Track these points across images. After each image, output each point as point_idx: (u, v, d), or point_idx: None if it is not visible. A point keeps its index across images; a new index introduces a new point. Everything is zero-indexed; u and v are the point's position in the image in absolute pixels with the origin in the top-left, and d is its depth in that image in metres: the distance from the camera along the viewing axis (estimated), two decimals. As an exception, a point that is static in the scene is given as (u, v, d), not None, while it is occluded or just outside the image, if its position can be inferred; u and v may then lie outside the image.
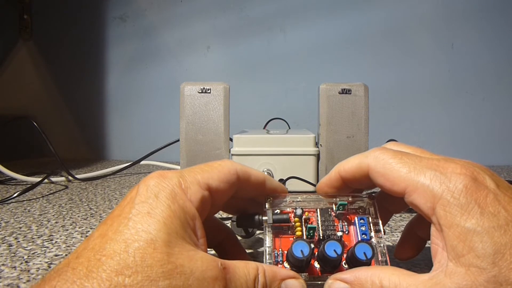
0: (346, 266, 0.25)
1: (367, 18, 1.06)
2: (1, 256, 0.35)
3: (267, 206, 0.27)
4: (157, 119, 1.15)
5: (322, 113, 0.55)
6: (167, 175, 0.22)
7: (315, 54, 1.08)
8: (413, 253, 0.29)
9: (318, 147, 0.57)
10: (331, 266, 0.24)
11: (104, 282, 0.17)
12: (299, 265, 0.24)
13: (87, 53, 1.18)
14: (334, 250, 0.23)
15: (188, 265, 0.19)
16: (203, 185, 0.23)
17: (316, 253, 0.25)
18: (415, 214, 0.28)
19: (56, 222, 0.46)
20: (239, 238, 0.33)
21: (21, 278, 0.30)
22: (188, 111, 0.56)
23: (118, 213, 0.21)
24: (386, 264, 0.24)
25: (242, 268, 0.21)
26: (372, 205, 0.27)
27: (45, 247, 0.38)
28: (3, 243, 0.39)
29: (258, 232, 0.40)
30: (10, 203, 0.57)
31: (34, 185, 0.66)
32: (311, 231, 0.25)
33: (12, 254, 0.35)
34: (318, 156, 0.57)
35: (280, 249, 0.25)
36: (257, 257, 0.35)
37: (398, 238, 0.30)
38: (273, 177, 0.53)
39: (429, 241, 0.23)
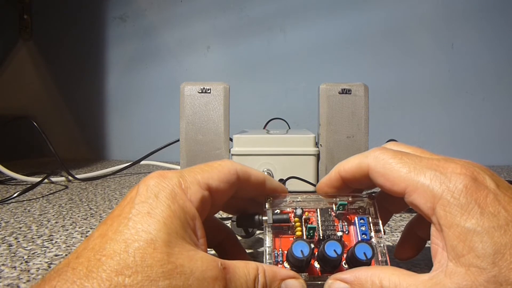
0: (346, 266, 0.25)
1: (367, 18, 1.06)
2: (1, 256, 0.35)
3: (267, 206, 0.27)
4: (157, 119, 1.15)
5: (322, 113, 0.55)
6: (167, 175, 0.22)
7: (315, 54, 1.08)
8: (413, 253, 0.29)
9: (318, 147, 0.57)
10: (331, 266, 0.24)
11: (104, 282, 0.17)
12: (299, 265, 0.24)
13: (87, 53, 1.18)
14: (334, 250, 0.23)
15: (188, 265, 0.19)
16: (203, 185, 0.23)
17: (316, 253, 0.25)
18: (415, 214, 0.28)
19: (56, 222, 0.46)
20: (239, 238, 0.33)
21: (21, 278, 0.30)
22: (188, 111, 0.56)
23: (118, 213, 0.21)
24: (386, 264, 0.24)
25: (242, 268, 0.21)
26: (372, 205, 0.27)
27: (45, 247, 0.38)
28: (3, 243, 0.39)
29: (258, 232, 0.40)
30: (10, 203, 0.57)
31: (34, 185, 0.66)
32: (311, 231, 0.25)
33: (12, 254, 0.35)
34: (318, 156, 0.57)
35: (280, 249, 0.25)
36: (257, 257, 0.35)
37: (398, 238, 0.30)
38: (273, 177, 0.53)
39: (429, 241, 0.23)
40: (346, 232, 0.26)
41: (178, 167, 0.76)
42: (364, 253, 0.23)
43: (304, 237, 0.26)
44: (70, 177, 0.74)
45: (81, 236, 0.41)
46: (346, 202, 0.27)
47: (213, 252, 0.31)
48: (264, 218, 0.26)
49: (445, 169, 0.21)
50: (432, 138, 1.06)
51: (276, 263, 0.25)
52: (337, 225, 0.27)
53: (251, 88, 1.10)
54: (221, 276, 0.20)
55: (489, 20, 1.02)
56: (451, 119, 1.05)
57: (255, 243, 0.39)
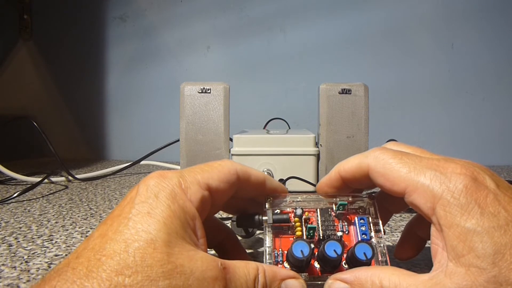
0: (346, 266, 0.25)
1: (367, 18, 1.06)
2: (1, 256, 0.35)
3: (267, 206, 0.27)
4: (157, 119, 1.15)
5: (322, 113, 0.55)
6: (167, 175, 0.22)
7: (315, 54, 1.08)
8: (413, 253, 0.29)
9: (318, 147, 0.57)
10: (331, 266, 0.24)
11: (104, 282, 0.17)
12: (299, 265, 0.24)
13: (87, 53, 1.18)
14: (334, 250, 0.23)
15: (188, 265, 0.19)
16: (203, 185, 0.23)
17: (316, 253, 0.25)
18: (415, 214, 0.28)
19: (56, 222, 0.46)
20: (239, 238, 0.33)
21: (21, 278, 0.30)
22: (188, 111, 0.55)
23: (118, 213, 0.21)
24: (386, 264, 0.24)
25: (242, 268, 0.21)
26: (372, 205, 0.27)
27: (45, 247, 0.38)
28: (3, 243, 0.39)
29: (258, 232, 0.40)
30: (10, 203, 0.57)
31: (34, 185, 0.66)
32: (311, 231, 0.25)
33: (12, 254, 0.35)
34: (318, 156, 0.57)
35: (280, 249, 0.25)
36: (257, 257, 0.35)
37: (398, 238, 0.30)
38: (273, 177, 0.53)
39: (429, 241, 0.23)
40: (346, 232, 0.26)
41: (178, 167, 0.76)
42: (364, 253, 0.23)
43: (304, 237, 0.26)
44: (70, 177, 0.74)
45: (81, 236, 0.41)
46: (346, 202, 0.27)
47: (213, 252, 0.31)
48: (264, 218, 0.26)
49: (445, 169, 0.21)
50: (432, 138, 1.06)
51: (276, 263, 0.25)
52: (337, 225, 0.27)
53: (251, 88, 1.10)
54: (221, 276, 0.20)
55: (489, 20, 1.02)
56: (451, 119, 1.05)
57: (255, 243, 0.39)
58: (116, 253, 0.18)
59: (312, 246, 0.25)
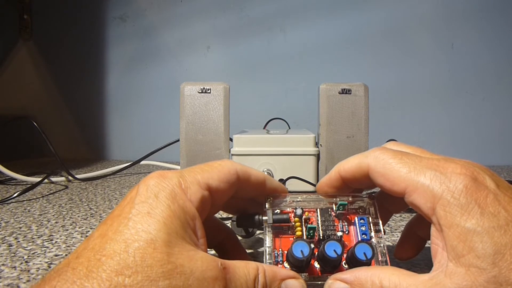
0: (346, 266, 0.25)
1: (367, 18, 1.06)
2: (1, 256, 0.35)
3: (267, 206, 0.27)
4: (157, 119, 1.15)
5: (322, 113, 0.55)
6: (167, 175, 0.22)
7: (315, 54, 1.08)
8: (413, 253, 0.29)
9: (318, 147, 0.57)
10: (331, 266, 0.24)
11: (104, 282, 0.17)
12: (299, 265, 0.24)
13: (87, 53, 1.18)
14: (334, 250, 0.23)
15: (188, 265, 0.19)
16: (203, 185, 0.23)
17: (316, 253, 0.25)
18: (415, 214, 0.28)
19: (56, 222, 0.46)
20: (239, 238, 0.33)
21: (21, 278, 0.30)
22: (188, 111, 0.55)
23: (118, 213, 0.21)
24: (386, 264, 0.24)
25: (242, 268, 0.21)
26: (372, 205, 0.27)
27: (45, 247, 0.38)
28: (3, 243, 0.39)
29: (258, 232, 0.40)
30: (10, 203, 0.57)
31: (34, 185, 0.66)
32: (311, 231, 0.25)
33: (12, 254, 0.35)
34: (318, 156, 0.57)
35: (280, 249, 0.25)
36: (257, 257, 0.35)
37: (398, 238, 0.30)
38: (273, 177, 0.53)
39: (429, 241, 0.23)
40: (346, 232, 0.26)
41: (178, 167, 0.76)
42: (364, 253, 0.23)
43: (304, 237, 0.26)
44: (70, 177, 0.74)
45: (81, 236, 0.41)
46: (346, 202, 0.27)
47: (213, 252, 0.31)
48: (264, 218, 0.26)
49: (445, 169, 0.21)
50: (432, 138, 1.06)
51: (276, 263, 0.25)
52: (337, 225, 0.27)
53: (251, 88, 1.10)
54: (221, 276, 0.20)
55: (489, 20, 1.02)
56: (451, 119, 1.05)
57: (255, 243, 0.39)
58: (116, 253, 0.18)
59: (312, 246, 0.25)
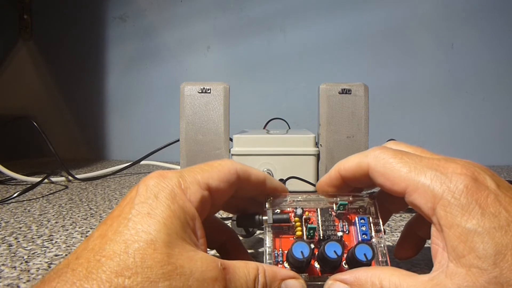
0: (346, 266, 0.25)
1: (367, 18, 1.06)
2: (1, 256, 0.35)
3: (267, 205, 0.27)
4: (157, 119, 1.15)
5: (322, 113, 0.55)
6: (167, 175, 0.22)
7: (315, 54, 1.08)
8: (412, 252, 0.29)
9: (318, 147, 0.57)
10: (331, 267, 0.24)
11: (104, 284, 0.17)
12: (299, 266, 0.24)
13: (87, 53, 1.18)
14: (334, 251, 0.23)
15: (188, 266, 0.19)
16: (203, 185, 0.23)
17: (316, 253, 0.25)
18: (415, 214, 0.28)
19: (56, 222, 0.46)
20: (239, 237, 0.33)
21: (21, 278, 0.30)
22: (188, 111, 0.55)
23: (118, 214, 0.21)
24: (387, 264, 0.24)
25: (242, 268, 0.21)
26: (372, 205, 0.27)
27: (45, 247, 0.38)
28: (3, 243, 0.39)
29: (258, 232, 0.40)
30: (10, 203, 0.57)
31: (34, 185, 0.66)
32: (311, 231, 0.25)
33: (12, 254, 0.35)
34: (318, 156, 0.57)
35: (280, 249, 0.25)
36: (257, 257, 0.35)
37: (398, 238, 0.30)
38: (273, 177, 0.53)
39: (429, 241, 0.23)
40: (347, 232, 0.26)
41: (178, 167, 0.76)
42: (364, 254, 0.23)
43: (304, 237, 0.26)
44: (70, 177, 0.74)
45: (81, 236, 0.41)
46: (346, 202, 0.26)
47: (213, 252, 0.31)
48: (264, 218, 0.26)
49: (445, 169, 0.21)
50: (432, 138, 1.06)
51: (276, 263, 0.25)
52: (338, 225, 0.26)
53: (251, 88, 1.10)
54: (221, 276, 0.20)
55: (489, 20, 1.02)
56: (451, 119, 1.05)
57: (255, 243, 0.39)
58: (116, 254, 0.18)
59: (312, 246, 0.25)
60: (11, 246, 0.38)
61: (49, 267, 0.33)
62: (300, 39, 1.08)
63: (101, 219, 0.48)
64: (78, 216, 0.49)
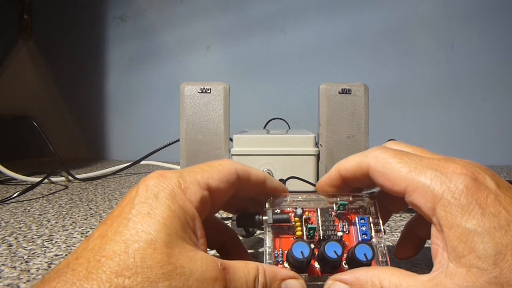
0: (346, 266, 0.25)
1: (367, 18, 1.06)
2: (1, 256, 0.35)
3: (267, 205, 0.27)
4: (157, 119, 1.15)
5: (322, 113, 0.55)
6: (167, 175, 0.22)
7: (315, 54, 1.08)
8: (412, 252, 0.29)
9: (318, 147, 0.57)
10: (331, 267, 0.24)
11: (104, 284, 0.17)
12: (299, 266, 0.24)
13: (87, 53, 1.18)
14: (334, 251, 0.23)
15: (188, 266, 0.19)
16: (203, 185, 0.23)
17: (316, 253, 0.25)
18: (415, 213, 0.28)
19: (56, 222, 0.46)
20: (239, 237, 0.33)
21: (21, 278, 0.30)
22: (188, 111, 0.55)
23: (118, 214, 0.21)
24: (387, 264, 0.24)
25: (242, 268, 0.21)
26: (373, 205, 0.27)
27: (45, 247, 0.38)
28: (3, 243, 0.39)
29: (258, 232, 0.40)
30: (10, 203, 0.57)
31: (34, 185, 0.66)
32: (312, 231, 0.25)
33: (12, 254, 0.35)
34: (318, 156, 0.57)
35: (280, 249, 0.25)
36: (257, 257, 0.35)
37: (398, 238, 0.30)
38: (273, 177, 0.53)
39: (429, 241, 0.23)
40: (347, 232, 0.26)
41: (178, 167, 0.76)
42: (364, 254, 0.23)
43: (304, 237, 0.26)
44: (70, 177, 0.74)
45: (81, 236, 0.41)
46: (346, 202, 0.26)
47: (213, 252, 0.31)
48: (264, 218, 0.26)
49: (445, 169, 0.21)
50: (432, 138, 1.06)
51: (276, 263, 0.25)
52: (338, 225, 0.26)
53: (251, 88, 1.10)
54: (221, 276, 0.20)
55: (489, 20, 1.02)
56: (451, 119, 1.05)
57: (255, 243, 0.38)
58: (116, 254, 0.18)
59: (312, 246, 0.25)
60: (11, 246, 0.38)
61: (49, 267, 0.33)
62: (300, 39, 1.08)
63: (101, 219, 0.48)
64: (78, 216, 0.49)
